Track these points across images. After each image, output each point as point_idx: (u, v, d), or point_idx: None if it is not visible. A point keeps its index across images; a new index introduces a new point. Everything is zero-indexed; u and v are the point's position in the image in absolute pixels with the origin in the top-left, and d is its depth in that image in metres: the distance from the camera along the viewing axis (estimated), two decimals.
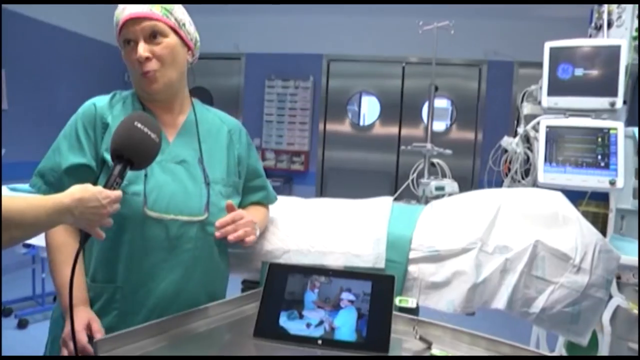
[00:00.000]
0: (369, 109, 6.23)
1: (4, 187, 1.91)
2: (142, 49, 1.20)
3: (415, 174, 3.06)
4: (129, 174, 1.15)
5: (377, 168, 5.74)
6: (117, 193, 1.03)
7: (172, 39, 1.24)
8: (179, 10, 1.28)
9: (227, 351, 1.15)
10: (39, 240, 1.66)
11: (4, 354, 3.02)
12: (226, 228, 1.24)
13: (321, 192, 5.88)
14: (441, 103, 5.77)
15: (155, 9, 1.23)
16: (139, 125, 1.06)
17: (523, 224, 1.43)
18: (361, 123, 6.14)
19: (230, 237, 1.24)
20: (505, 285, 1.36)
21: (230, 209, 1.27)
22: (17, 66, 4.39)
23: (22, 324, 3.42)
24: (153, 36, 1.22)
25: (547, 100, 2.29)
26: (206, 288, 1.30)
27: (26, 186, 1.80)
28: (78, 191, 0.99)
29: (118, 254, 1.21)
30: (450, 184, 2.88)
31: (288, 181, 5.86)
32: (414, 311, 1.43)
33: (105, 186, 1.02)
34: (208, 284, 1.31)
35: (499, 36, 5.18)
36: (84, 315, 1.14)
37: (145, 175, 1.21)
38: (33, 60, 4.56)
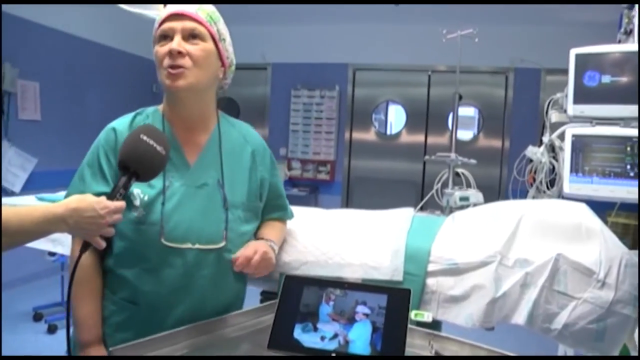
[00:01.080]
0: (396, 117, 6.20)
1: (32, 197, 1.98)
2: (177, 44, 1.18)
3: (439, 184, 3.02)
4: (147, 202, 1.19)
5: (403, 177, 5.70)
6: (118, 204, 1.04)
7: (209, 45, 1.23)
8: (222, 24, 1.28)
9: None
10: (66, 249, 1.70)
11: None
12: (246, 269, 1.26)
13: (347, 202, 5.86)
14: (468, 111, 5.70)
15: (201, 13, 1.23)
16: (145, 137, 1.07)
17: (544, 237, 1.40)
18: (388, 132, 6.11)
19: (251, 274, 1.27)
20: (525, 300, 1.32)
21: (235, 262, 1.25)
22: (51, 79, 4.55)
23: (51, 329, 3.51)
24: (192, 36, 1.21)
25: (572, 109, 2.23)
26: (223, 308, 1.30)
27: (52, 195, 1.86)
28: (74, 201, 1.01)
29: (139, 279, 1.21)
30: (475, 195, 2.82)
31: (314, 191, 5.87)
32: (436, 326, 1.41)
33: (108, 197, 1.04)
34: (225, 305, 1.31)
35: (526, 43, 5.09)
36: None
37: (163, 204, 1.20)
38: (65, 73, 4.71)
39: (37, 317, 3.69)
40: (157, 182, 1.21)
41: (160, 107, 1.32)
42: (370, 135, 5.92)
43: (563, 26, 4.78)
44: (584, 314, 1.30)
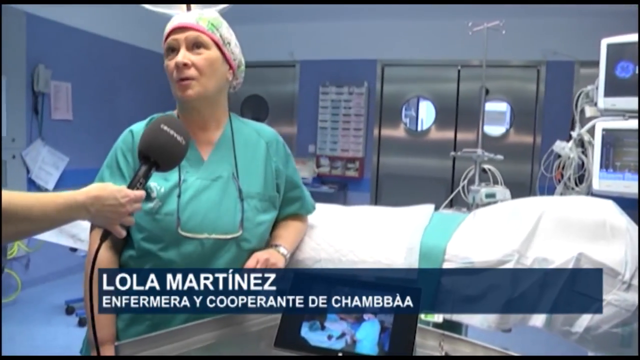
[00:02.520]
0: (425, 113, 6.12)
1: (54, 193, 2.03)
2: (182, 56, 1.23)
3: (465, 181, 2.96)
4: (163, 194, 1.22)
5: (432, 174, 5.61)
6: (138, 193, 1.05)
7: (213, 52, 1.27)
8: (226, 29, 1.31)
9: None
10: (85, 245, 1.73)
11: (67, 348, 3.20)
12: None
13: (376, 199, 5.81)
14: (500, 107, 5.57)
15: (202, 22, 1.26)
16: (165, 127, 1.09)
17: (566, 235, 1.34)
18: (419, 128, 6.03)
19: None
20: (544, 302, 1.27)
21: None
22: (82, 79, 4.68)
23: (82, 322, 3.62)
24: (196, 46, 1.25)
25: (603, 101, 2.14)
26: None
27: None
28: (95, 189, 1.03)
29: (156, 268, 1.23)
30: (501, 191, 2.75)
31: (343, 188, 5.84)
32: (457, 328, 1.37)
33: (128, 186, 1.06)
34: None
35: (558, 35, 4.92)
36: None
37: (179, 196, 1.24)
38: (96, 73, 4.85)
39: (69, 311, 3.81)
40: (172, 176, 1.24)
41: (175, 112, 1.36)
42: (399, 132, 5.85)
43: (597, 16, 4.60)
44: (608, 317, 1.24)
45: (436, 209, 2.55)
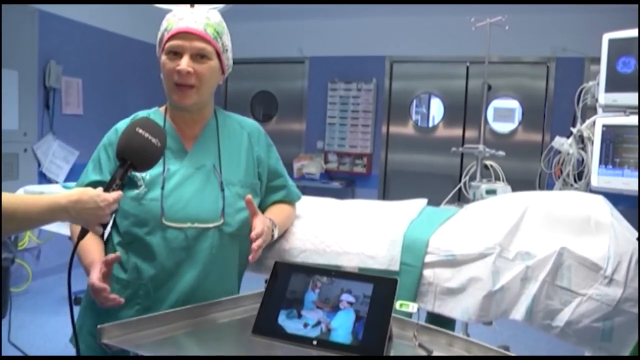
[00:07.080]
0: (436, 110, 6.08)
1: (58, 185, 2.08)
2: (186, 64, 1.25)
3: (467, 177, 2.95)
4: (148, 180, 1.27)
5: (440, 171, 5.57)
6: (116, 195, 1.10)
7: (214, 62, 1.30)
8: (226, 35, 1.34)
9: (219, 346, 1.16)
10: None
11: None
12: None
13: (384, 195, 5.80)
14: (511, 104, 5.50)
15: (209, 29, 1.28)
16: (140, 130, 1.14)
17: (550, 229, 1.33)
18: (430, 125, 5.99)
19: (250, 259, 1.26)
20: (525, 295, 1.26)
21: (248, 204, 1.28)
22: (92, 75, 4.75)
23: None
24: (200, 56, 1.27)
25: (604, 97, 2.11)
26: (223, 285, 1.35)
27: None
28: (76, 193, 1.08)
29: (142, 253, 1.28)
30: (503, 187, 2.75)
31: (350, 184, 5.83)
32: (449, 323, 1.37)
33: (106, 187, 1.10)
34: (225, 281, 1.36)
35: (568, 31, 4.83)
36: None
37: (162, 188, 1.28)
38: (106, 69, 4.91)
39: (77, 301, 3.83)
40: (157, 166, 1.27)
41: (162, 108, 1.41)
42: (407, 129, 5.82)
43: (607, 12, 4.52)
44: (589, 311, 1.23)
45: (439, 205, 2.55)
